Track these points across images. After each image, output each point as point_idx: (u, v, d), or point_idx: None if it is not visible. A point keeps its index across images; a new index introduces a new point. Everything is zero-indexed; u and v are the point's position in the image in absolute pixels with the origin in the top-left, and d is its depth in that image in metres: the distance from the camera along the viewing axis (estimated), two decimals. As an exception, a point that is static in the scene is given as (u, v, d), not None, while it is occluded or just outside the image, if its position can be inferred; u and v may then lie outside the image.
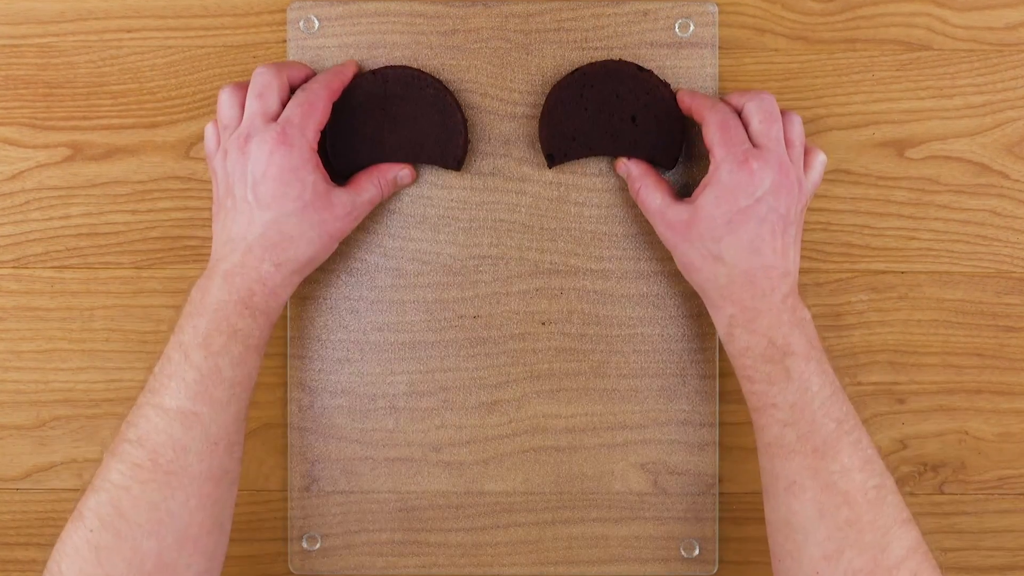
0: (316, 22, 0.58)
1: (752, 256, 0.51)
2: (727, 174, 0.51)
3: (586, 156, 0.57)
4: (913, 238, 0.59)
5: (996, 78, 0.58)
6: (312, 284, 0.58)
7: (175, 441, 0.49)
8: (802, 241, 0.58)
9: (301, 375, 0.58)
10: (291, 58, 0.58)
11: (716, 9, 0.57)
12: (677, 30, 0.57)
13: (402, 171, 0.56)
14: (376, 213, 0.58)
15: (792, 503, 0.49)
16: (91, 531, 0.48)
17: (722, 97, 0.54)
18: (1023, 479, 0.59)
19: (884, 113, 0.59)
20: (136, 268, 0.59)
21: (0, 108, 0.59)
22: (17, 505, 0.60)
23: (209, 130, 0.54)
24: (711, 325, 0.57)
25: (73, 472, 0.59)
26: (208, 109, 0.59)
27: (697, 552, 0.58)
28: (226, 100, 0.53)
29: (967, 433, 0.59)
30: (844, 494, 0.48)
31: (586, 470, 0.58)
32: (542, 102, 0.57)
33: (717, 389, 0.58)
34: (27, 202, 0.59)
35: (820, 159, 0.54)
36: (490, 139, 0.58)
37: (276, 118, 0.52)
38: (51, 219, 0.59)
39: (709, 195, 0.51)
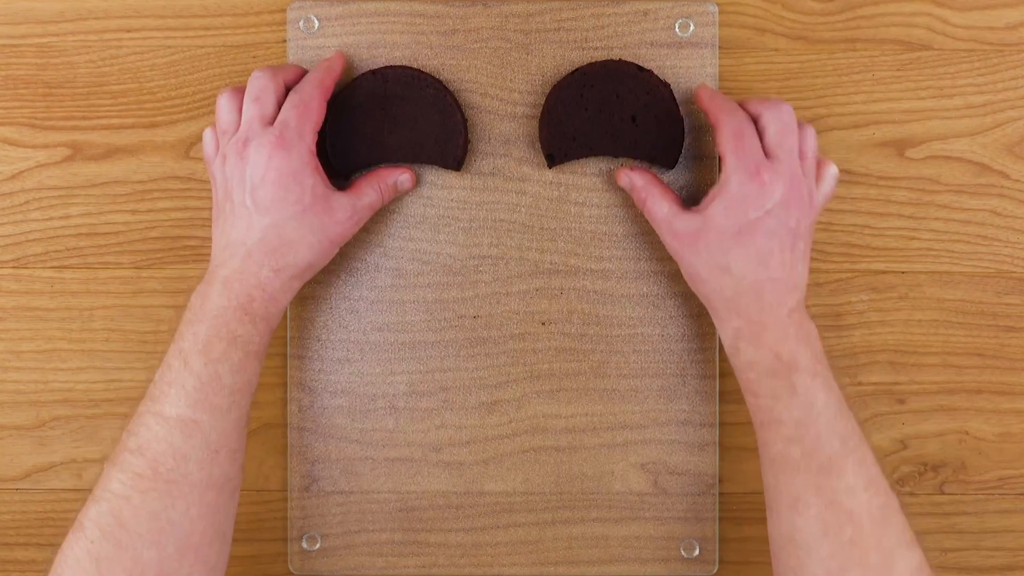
0: (316, 22, 0.58)
1: (760, 269, 0.50)
2: (738, 184, 0.50)
3: (586, 156, 0.57)
4: (913, 238, 0.59)
5: (996, 78, 0.58)
6: (312, 284, 0.58)
7: (175, 449, 0.48)
8: (802, 241, 0.58)
9: (301, 375, 0.58)
10: (291, 58, 0.58)
11: (716, 9, 0.57)
12: (677, 30, 0.57)
13: (402, 175, 0.56)
14: (376, 213, 0.58)
15: (796, 520, 0.49)
16: (92, 542, 0.47)
17: (740, 102, 0.54)
18: (1023, 479, 0.59)
19: (884, 113, 0.59)
20: (136, 268, 0.59)
21: (0, 108, 0.59)
22: (17, 505, 0.59)
23: (207, 135, 0.54)
24: (711, 325, 0.57)
25: (73, 472, 0.59)
26: (208, 109, 0.59)
27: (697, 552, 0.58)
28: (224, 104, 0.53)
29: (967, 433, 0.59)
30: (849, 513, 0.48)
31: (586, 470, 0.58)
32: (542, 102, 0.57)
33: (717, 389, 0.58)
34: (27, 202, 0.59)
35: (832, 172, 0.53)
36: (490, 139, 0.58)
37: (273, 120, 0.52)
38: (51, 219, 0.59)
39: (718, 205, 0.51)
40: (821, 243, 0.59)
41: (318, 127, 0.52)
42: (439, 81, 0.57)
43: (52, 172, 0.59)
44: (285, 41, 0.58)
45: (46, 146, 0.59)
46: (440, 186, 0.58)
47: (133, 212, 0.59)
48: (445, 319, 0.58)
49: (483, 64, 0.58)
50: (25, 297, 0.59)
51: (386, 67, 0.57)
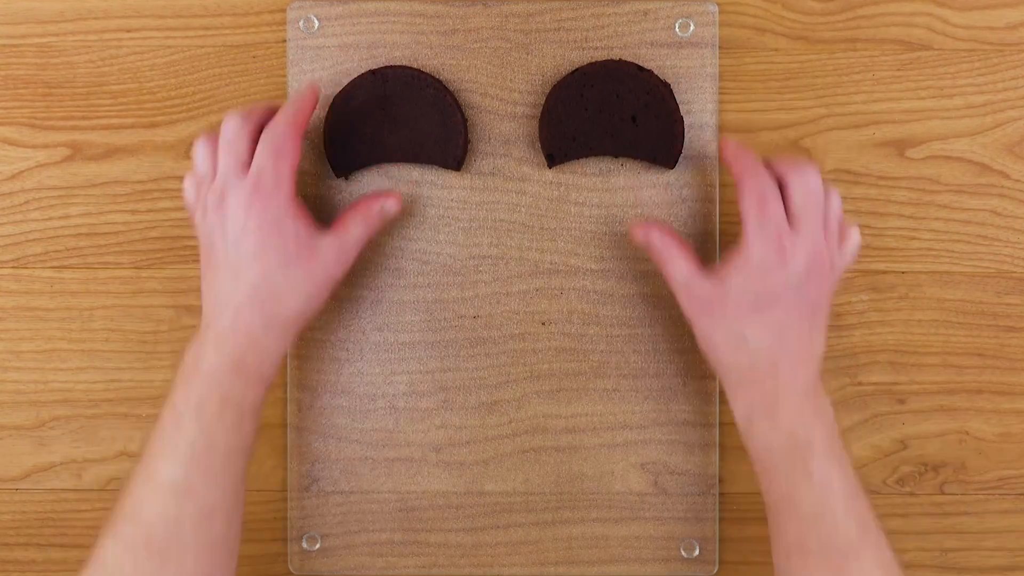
0: (316, 22, 0.58)
1: (777, 342, 0.49)
2: (759, 253, 0.49)
3: (586, 156, 0.57)
4: (914, 238, 0.59)
5: (996, 78, 0.58)
6: (312, 284, 0.58)
7: (168, 515, 0.47)
8: (802, 241, 0.58)
9: (301, 375, 0.58)
10: (291, 58, 0.58)
11: (716, 9, 0.57)
12: (677, 30, 0.57)
13: (387, 202, 0.54)
14: (376, 213, 0.58)
15: None
16: None
17: (765, 160, 0.52)
18: (1023, 479, 0.59)
19: (884, 113, 0.59)
20: (136, 268, 0.59)
21: (0, 108, 0.59)
22: (16, 505, 0.59)
23: (187, 183, 0.53)
24: (711, 325, 0.57)
25: (72, 472, 0.59)
26: (208, 109, 0.59)
27: (697, 552, 0.58)
28: (200, 152, 0.52)
29: (968, 433, 0.59)
30: None
31: (586, 470, 0.58)
32: (542, 102, 0.57)
33: (717, 389, 0.58)
34: (27, 202, 0.59)
35: (855, 240, 0.52)
36: (490, 139, 0.58)
37: (249, 164, 0.50)
38: (50, 219, 0.59)
39: (738, 274, 0.50)
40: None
41: (295, 167, 0.51)
42: (439, 81, 0.57)
43: (52, 172, 0.59)
44: (285, 41, 0.58)
45: (46, 146, 0.59)
46: (440, 186, 0.58)
47: (133, 212, 0.59)
48: (445, 319, 0.58)
49: (483, 64, 0.58)
50: (25, 297, 0.59)
51: (386, 67, 0.57)
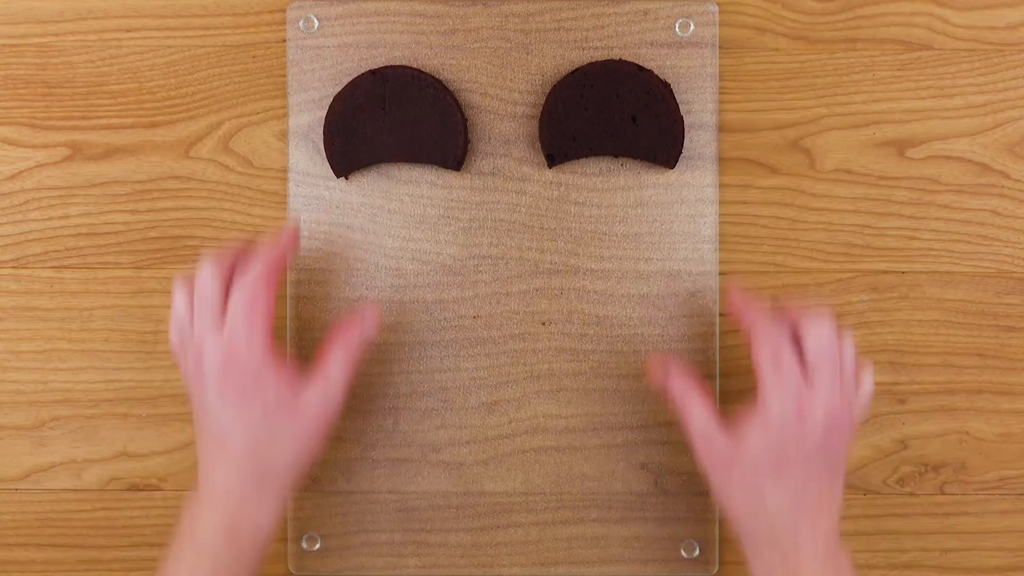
0: (316, 22, 0.58)
1: (797, 503, 0.48)
2: (777, 412, 0.48)
3: (586, 156, 0.57)
4: (914, 238, 0.59)
5: (997, 78, 0.58)
6: (312, 284, 0.58)
7: None
8: (803, 241, 0.58)
9: (301, 375, 0.58)
10: (291, 58, 0.58)
11: (716, 8, 0.57)
12: (677, 30, 0.57)
13: (366, 324, 0.53)
14: (376, 213, 0.58)
15: None
16: None
17: (776, 308, 0.51)
18: (1023, 479, 0.59)
19: (885, 113, 0.59)
20: (136, 268, 0.59)
21: (0, 108, 0.59)
22: (16, 505, 0.59)
23: (171, 326, 0.52)
24: (711, 325, 0.57)
25: (72, 472, 0.59)
26: (208, 109, 0.59)
27: (698, 552, 0.58)
28: (177, 299, 0.51)
29: (968, 433, 0.59)
30: None
31: (586, 470, 0.58)
32: (542, 102, 0.57)
33: (717, 389, 0.58)
34: (26, 202, 0.59)
35: (868, 388, 0.51)
36: (490, 139, 0.58)
37: (225, 313, 0.50)
38: (50, 219, 0.59)
39: (757, 436, 0.49)
40: (821, 243, 0.59)
41: (270, 317, 0.50)
42: (439, 81, 0.57)
43: (52, 172, 0.59)
44: (285, 41, 0.58)
45: (46, 146, 0.59)
46: (440, 186, 0.58)
47: (133, 212, 0.59)
48: (445, 319, 0.58)
49: (483, 64, 0.58)
50: (25, 297, 0.59)
51: (386, 67, 0.57)
